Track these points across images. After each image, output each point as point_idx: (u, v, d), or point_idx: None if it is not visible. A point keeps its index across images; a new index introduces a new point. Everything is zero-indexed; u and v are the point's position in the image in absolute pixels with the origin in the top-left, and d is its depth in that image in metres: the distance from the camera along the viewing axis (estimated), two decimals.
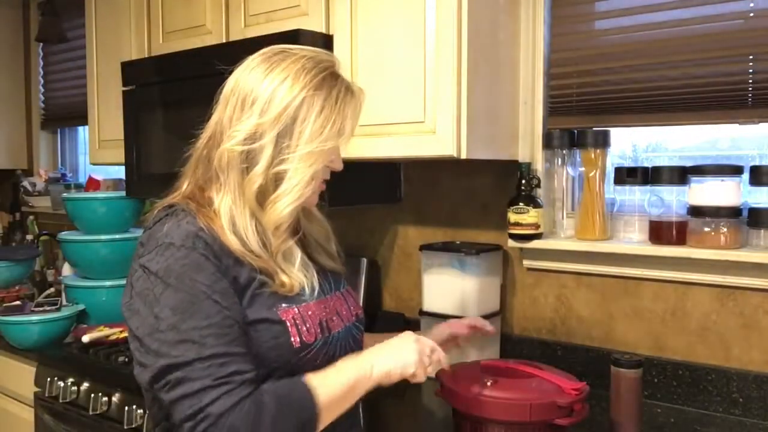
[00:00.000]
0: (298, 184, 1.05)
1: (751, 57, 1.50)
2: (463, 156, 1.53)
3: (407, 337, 1.10)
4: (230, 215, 1.04)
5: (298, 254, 1.10)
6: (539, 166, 1.76)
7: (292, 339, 1.03)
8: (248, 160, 1.04)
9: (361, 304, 1.28)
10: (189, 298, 0.96)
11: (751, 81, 1.51)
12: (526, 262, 1.82)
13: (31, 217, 3.32)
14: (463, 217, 1.95)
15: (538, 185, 1.74)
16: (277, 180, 1.05)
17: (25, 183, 3.29)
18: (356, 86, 1.12)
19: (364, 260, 2.04)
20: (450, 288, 1.77)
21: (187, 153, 1.12)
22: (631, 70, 1.65)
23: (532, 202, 1.71)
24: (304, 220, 1.19)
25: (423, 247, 1.84)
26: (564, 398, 1.23)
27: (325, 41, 1.69)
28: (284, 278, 1.05)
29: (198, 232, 1.00)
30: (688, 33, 1.57)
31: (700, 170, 1.53)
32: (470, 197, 1.93)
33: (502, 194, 1.82)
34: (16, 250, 2.82)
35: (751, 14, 1.50)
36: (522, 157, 1.77)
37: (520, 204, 1.70)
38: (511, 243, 1.77)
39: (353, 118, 1.10)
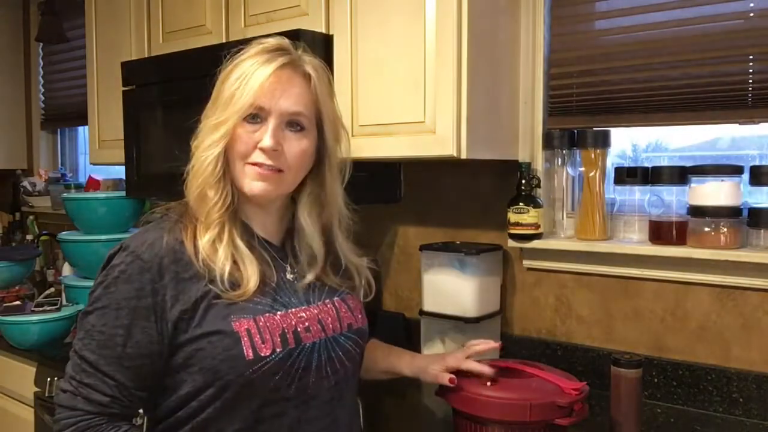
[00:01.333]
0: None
1: (751, 57, 1.50)
2: (463, 156, 1.53)
3: None
4: None
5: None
6: (539, 166, 1.76)
7: (245, 351, 0.99)
8: None
9: (362, 315, 1.25)
10: (106, 301, 1.00)
11: (751, 81, 1.51)
12: (526, 262, 1.82)
13: (31, 217, 3.31)
14: (463, 217, 1.95)
15: (538, 185, 1.74)
16: None
17: (25, 183, 3.28)
18: None
19: (364, 260, 2.03)
20: (450, 288, 1.77)
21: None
22: (631, 70, 1.65)
23: (532, 202, 1.71)
24: (332, 244, 1.24)
25: (423, 247, 1.84)
26: (564, 398, 1.22)
27: (325, 41, 1.69)
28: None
29: (155, 241, 1.02)
30: (688, 33, 1.57)
31: (700, 170, 1.53)
32: (470, 197, 1.93)
33: (502, 194, 1.81)
34: (16, 250, 2.82)
35: (751, 14, 1.49)
36: (522, 157, 1.77)
37: (520, 204, 1.71)
38: (511, 243, 1.77)
39: None
